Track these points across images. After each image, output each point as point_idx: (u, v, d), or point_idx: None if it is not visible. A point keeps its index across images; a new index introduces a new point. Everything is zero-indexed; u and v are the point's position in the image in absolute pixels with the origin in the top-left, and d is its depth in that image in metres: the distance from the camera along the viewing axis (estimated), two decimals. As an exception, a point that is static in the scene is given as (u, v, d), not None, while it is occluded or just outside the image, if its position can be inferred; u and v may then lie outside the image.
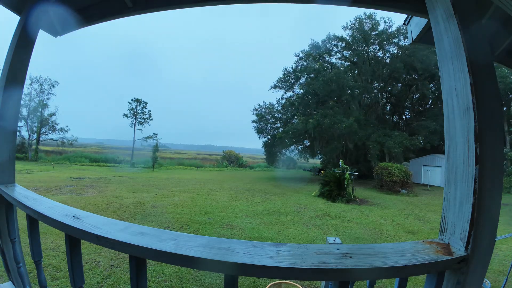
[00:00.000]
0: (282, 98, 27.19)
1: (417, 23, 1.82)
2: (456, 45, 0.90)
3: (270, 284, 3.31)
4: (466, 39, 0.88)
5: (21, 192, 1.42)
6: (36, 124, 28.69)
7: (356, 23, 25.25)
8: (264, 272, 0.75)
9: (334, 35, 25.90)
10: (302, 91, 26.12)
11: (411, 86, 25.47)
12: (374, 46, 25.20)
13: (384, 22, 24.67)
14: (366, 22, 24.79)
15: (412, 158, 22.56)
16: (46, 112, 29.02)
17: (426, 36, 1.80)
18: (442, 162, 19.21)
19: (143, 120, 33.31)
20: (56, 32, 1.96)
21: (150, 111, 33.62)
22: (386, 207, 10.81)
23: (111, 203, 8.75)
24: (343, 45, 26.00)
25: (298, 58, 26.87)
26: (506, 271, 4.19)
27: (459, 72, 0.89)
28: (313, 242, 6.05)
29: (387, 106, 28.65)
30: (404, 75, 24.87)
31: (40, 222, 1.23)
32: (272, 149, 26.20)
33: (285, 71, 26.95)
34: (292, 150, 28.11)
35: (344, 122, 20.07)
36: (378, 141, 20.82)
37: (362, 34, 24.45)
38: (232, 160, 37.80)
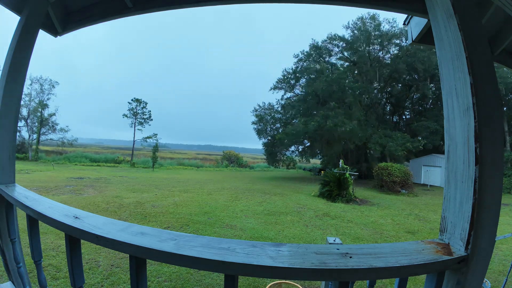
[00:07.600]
0: (282, 99, 27.21)
1: (417, 23, 1.82)
2: (456, 45, 0.90)
3: (270, 284, 3.31)
4: (466, 39, 0.88)
5: (21, 192, 1.42)
6: (36, 124, 28.71)
7: (357, 23, 25.20)
8: (264, 272, 0.75)
9: (335, 35, 25.83)
10: (302, 92, 26.08)
11: (411, 86, 25.46)
12: (375, 47, 25.17)
13: (389, 22, 24.64)
14: (368, 23, 24.75)
15: (412, 158, 22.56)
16: (46, 112, 29.05)
17: (426, 36, 1.81)
18: (442, 162, 19.20)
19: (143, 120, 33.33)
20: (56, 32, 1.96)
21: (150, 111, 33.65)
22: (386, 207, 10.81)
23: (111, 203, 8.74)
24: (344, 45, 25.95)
25: (297, 59, 26.82)
26: (506, 271, 4.19)
27: (459, 72, 0.89)
28: (313, 242, 6.05)
29: (387, 106, 28.66)
30: (404, 76, 24.86)
31: (40, 222, 1.23)
32: (272, 149, 26.19)
33: (285, 72, 26.92)
34: (293, 151, 28.09)
35: (347, 124, 19.94)
36: (380, 143, 20.70)
37: (364, 34, 24.40)
38: (232, 160, 37.82)
